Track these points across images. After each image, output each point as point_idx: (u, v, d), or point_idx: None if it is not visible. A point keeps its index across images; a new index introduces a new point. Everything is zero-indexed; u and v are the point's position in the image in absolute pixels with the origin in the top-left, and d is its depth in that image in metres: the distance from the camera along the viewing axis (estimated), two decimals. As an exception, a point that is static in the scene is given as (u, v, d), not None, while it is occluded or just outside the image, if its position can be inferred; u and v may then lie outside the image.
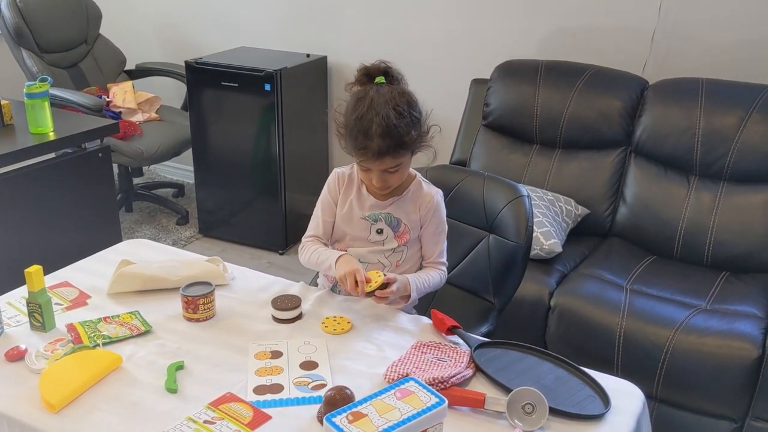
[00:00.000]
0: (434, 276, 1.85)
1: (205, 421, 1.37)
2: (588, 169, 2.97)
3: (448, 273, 2.07)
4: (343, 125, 1.73)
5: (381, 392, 1.26)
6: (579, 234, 2.91)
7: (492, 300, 1.99)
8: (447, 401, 1.24)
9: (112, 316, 1.71)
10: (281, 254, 3.78)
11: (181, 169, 4.70)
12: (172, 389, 1.46)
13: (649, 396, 1.56)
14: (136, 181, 4.40)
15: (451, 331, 1.66)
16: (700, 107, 2.76)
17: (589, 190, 2.96)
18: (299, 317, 1.74)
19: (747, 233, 2.66)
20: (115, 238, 3.10)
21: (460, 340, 1.64)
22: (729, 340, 2.24)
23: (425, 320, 1.75)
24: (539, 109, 3.04)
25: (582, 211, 2.92)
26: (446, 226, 1.89)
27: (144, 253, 2.05)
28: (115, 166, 3.52)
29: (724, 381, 2.23)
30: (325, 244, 1.89)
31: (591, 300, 2.46)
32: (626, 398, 1.48)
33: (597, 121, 2.95)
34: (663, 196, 2.82)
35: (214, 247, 3.85)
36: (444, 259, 1.90)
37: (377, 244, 1.84)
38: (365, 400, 1.23)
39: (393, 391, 1.26)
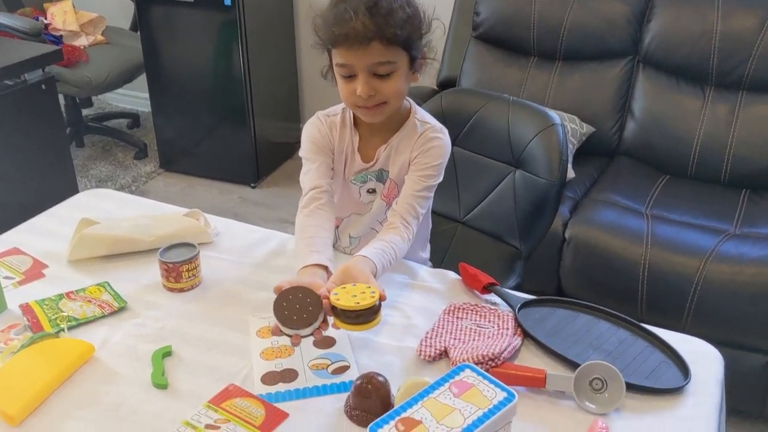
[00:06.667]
0: (396, 241, 1.40)
1: (207, 426, 1.11)
2: (592, 83, 2.75)
3: (465, 214, 1.82)
4: (321, 19, 1.38)
5: (433, 387, 1.00)
6: (584, 154, 2.69)
7: (518, 245, 1.72)
8: (516, 396, 1.00)
9: (77, 291, 1.41)
10: (253, 188, 3.47)
11: (134, 97, 4.33)
12: (160, 384, 1.19)
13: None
14: (85, 112, 4.04)
15: (487, 289, 1.41)
16: (716, 9, 2.56)
17: (593, 105, 2.74)
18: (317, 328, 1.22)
19: (769, 147, 2.47)
20: (69, 179, 2.81)
21: (498, 299, 1.39)
22: (767, 268, 2.04)
23: (452, 275, 1.48)
24: (536, 17, 2.78)
25: (587, 129, 2.69)
26: (440, 178, 1.48)
27: (108, 207, 1.73)
28: (60, 97, 3.20)
29: (761, 312, 2.05)
30: (331, 194, 1.49)
31: (610, 229, 2.24)
32: (705, 362, 1.25)
33: (601, 28, 2.72)
34: (675, 110, 2.62)
35: (178, 182, 3.51)
36: (416, 216, 1.45)
37: (369, 206, 1.55)
38: (415, 400, 0.98)
39: (447, 385, 1.00)
